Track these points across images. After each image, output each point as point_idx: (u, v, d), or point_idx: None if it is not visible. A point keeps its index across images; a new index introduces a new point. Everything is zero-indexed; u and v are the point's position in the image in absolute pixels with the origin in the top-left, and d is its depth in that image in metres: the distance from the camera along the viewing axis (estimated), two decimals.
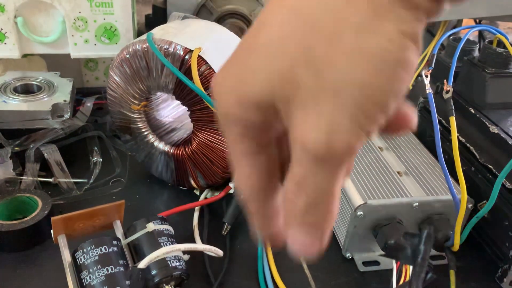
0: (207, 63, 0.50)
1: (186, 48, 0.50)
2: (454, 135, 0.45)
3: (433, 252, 0.47)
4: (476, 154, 0.52)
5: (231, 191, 0.55)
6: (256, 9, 0.79)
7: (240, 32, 0.76)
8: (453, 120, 0.46)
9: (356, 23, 0.17)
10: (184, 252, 0.43)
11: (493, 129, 0.51)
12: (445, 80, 0.51)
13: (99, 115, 0.69)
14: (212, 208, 0.55)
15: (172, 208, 0.51)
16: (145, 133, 0.56)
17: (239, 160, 0.21)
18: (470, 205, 0.47)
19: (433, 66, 0.54)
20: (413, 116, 0.21)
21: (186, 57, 0.49)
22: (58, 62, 0.70)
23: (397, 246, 0.43)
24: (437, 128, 0.46)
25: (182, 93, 0.51)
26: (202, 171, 0.54)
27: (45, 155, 0.55)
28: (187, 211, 0.52)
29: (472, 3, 0.66)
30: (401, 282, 0.43)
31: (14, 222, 0.47)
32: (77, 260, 0.39)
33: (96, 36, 0.65)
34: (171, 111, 0.61)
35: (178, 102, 0.54)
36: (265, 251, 0.48)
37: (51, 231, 0.41)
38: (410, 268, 0.43)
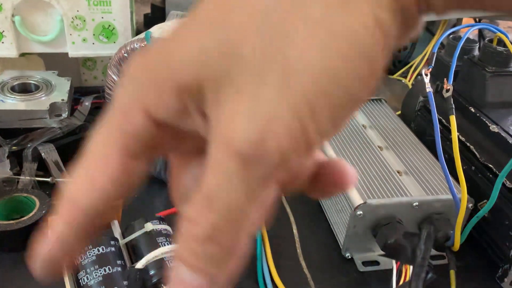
0: None
1: None
2: (454, 134, 0.45)
3: (433, 252, 0.47)
4: (476, 153, 0.51)
5: None
6: None
7: None
8: (453, 119, 0.46)
9: None
10: None
11: (493, 128, 0.51)
12: (445, 79, 0.50)
13: (97, 115, 0.68)
14: None
15: (170, 208, 0.50)
16: None
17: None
18: (470, 205, 0.46)
19: (433, 65, 0.54)
20: (349, 169, 0.18)
21: None
22: (56, 61, 0.70)
23: (397, 246, 0.43)
24: (437, 127, 0.46)
25: None
26: None
27: (43, 154, 0.54)
28: None
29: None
30: (401, 282, 0.42)
31: (11, 222, 0.47)
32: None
33: (94, 35, 0.65)
34: None
35: None
36: (264, 251, 0.48)
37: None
38: (410, 268, 0.43)
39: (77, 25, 0.63)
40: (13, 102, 0.59)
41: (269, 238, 0.49)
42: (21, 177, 0.53)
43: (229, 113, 0.14)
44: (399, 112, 0.69)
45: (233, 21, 0.14)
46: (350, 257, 0.49)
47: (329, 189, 0.18)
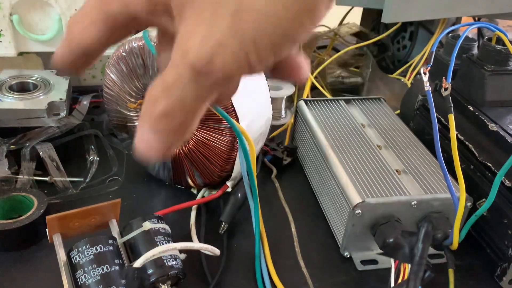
0: None
1: None
2: (453, 133, 0.45)
3: (432, 250, 0.47)
4: (475, 152, 0.51)
5: (229, 189, 0.54)
6: None
7: None
8: (451, 117, 0.46)
9: None
10: (181, 251, 0.43)
11: (492, 126, 0.51)
12: (443, 77, 0.50)
13: (95, 114, 0.68)
14: (209, 207, 0.54)
15: (168, 207, 0.50)
16: None
17: None
18: (469, 204, 0.46)
19: (431, 63, 0.54)
20: (305, 66, 0.21)
21: None
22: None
23: (395, 245, 0.43)
24: (436, 126, 0.46)
25: None
26: (199, 169, 0.54)
27: (41, 153, 0.54)
28: (184, 210, 0.52)
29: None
30: (399, 281, 0.42)
31: (9, 221, 0.47)
32: (72, 259, 0.39)
33: None
34: None
35: None
36: (262, 250, 0.48)
37: (47, 230, 0.41)
38: (408, 267, 0.43)
39: None
40: (11, 101, 0.58)
41: (268, 237, 0.49)
42: (19, 176, 0.53)
43: (189, 30, 0.17)
44: (398, 111, 0.69)
45: None
46: (348, 256, 0.49)
47: (284, 78, 0.22)
